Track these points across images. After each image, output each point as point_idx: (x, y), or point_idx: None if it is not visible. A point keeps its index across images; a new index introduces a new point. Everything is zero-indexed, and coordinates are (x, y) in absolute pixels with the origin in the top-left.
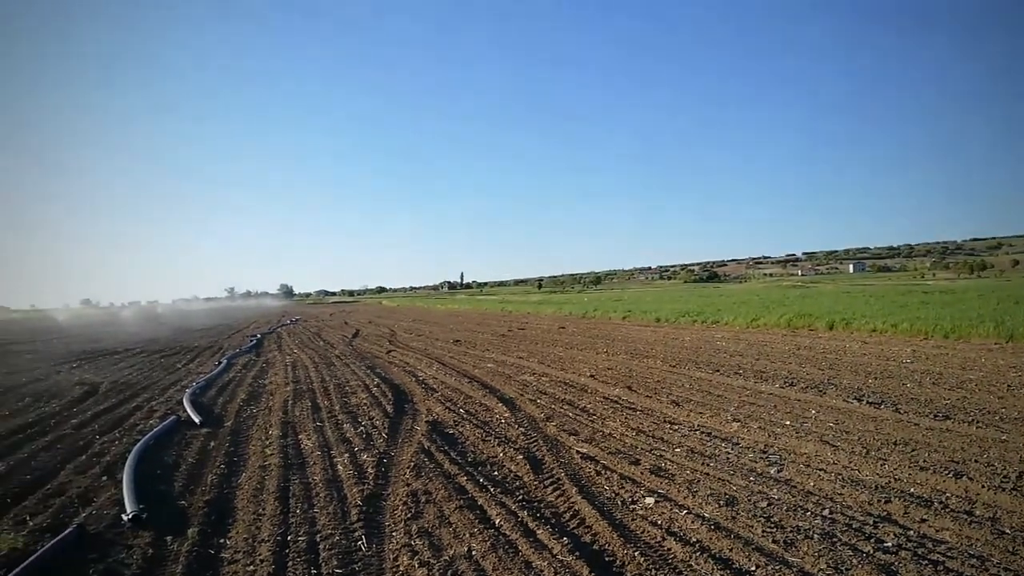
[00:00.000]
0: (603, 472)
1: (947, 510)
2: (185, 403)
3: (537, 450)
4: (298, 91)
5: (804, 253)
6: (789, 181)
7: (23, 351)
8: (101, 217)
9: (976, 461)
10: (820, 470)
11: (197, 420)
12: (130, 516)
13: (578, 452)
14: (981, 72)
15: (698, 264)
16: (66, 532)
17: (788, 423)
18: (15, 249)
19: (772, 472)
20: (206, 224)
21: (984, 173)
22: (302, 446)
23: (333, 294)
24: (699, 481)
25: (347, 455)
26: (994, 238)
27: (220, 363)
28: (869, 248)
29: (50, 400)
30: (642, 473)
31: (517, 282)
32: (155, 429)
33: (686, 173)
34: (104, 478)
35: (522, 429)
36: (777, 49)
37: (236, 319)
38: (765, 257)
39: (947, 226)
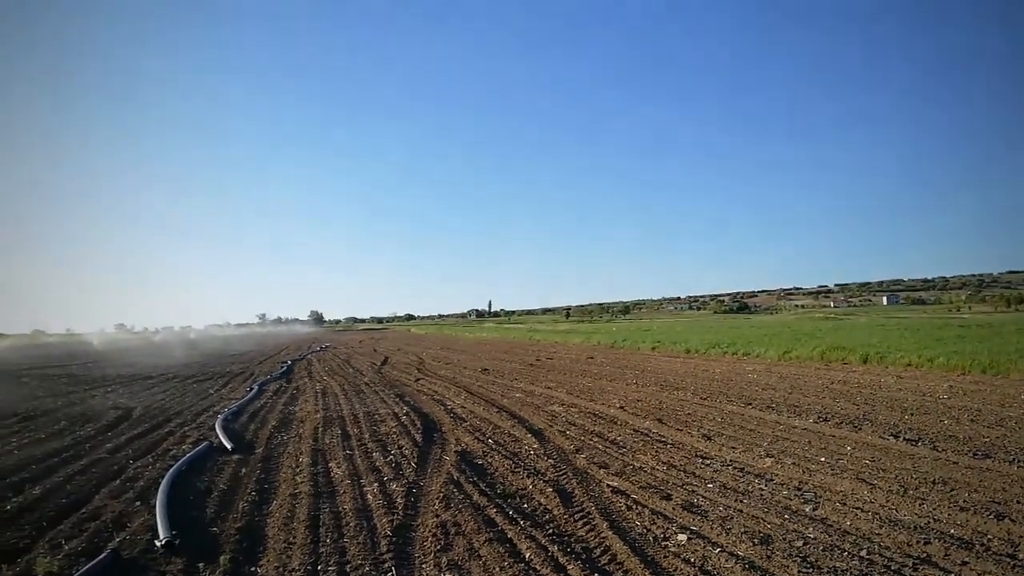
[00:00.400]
0: (634, 507)
1: (989, 553)
2: (217, 429)
3: (567, 483)
4: (327, 113)
5: (836, 284)
6: (820, 211)
7: (59, 375)
8: (136, 242)
9: (1018, 502)
10: (857, 509)
11: (229, 446)
12: (163, 542)
13: (608, 485)
14: (1020, 100)
15: (728, 294)
16: (101, 557)
17: (823, 459)
18: (52, 274)
19: (807, 510)
20: (239, 250)
21: (1022, 204)
22: (332, 474)
23: (362, 321)
24: (732, 518)
25: (376, 484)
26: None
27: (251, 389)
28: (903, 280)
29: (85, 424)
30: (674, 508)
31: (545, 311)
32: (188, 454)
33: (716, 202)
34: (138, 503)
35: (551, 461)
36: (806, 76)
37: (267, 345)
38: (796, 288)
39: (983, 258)
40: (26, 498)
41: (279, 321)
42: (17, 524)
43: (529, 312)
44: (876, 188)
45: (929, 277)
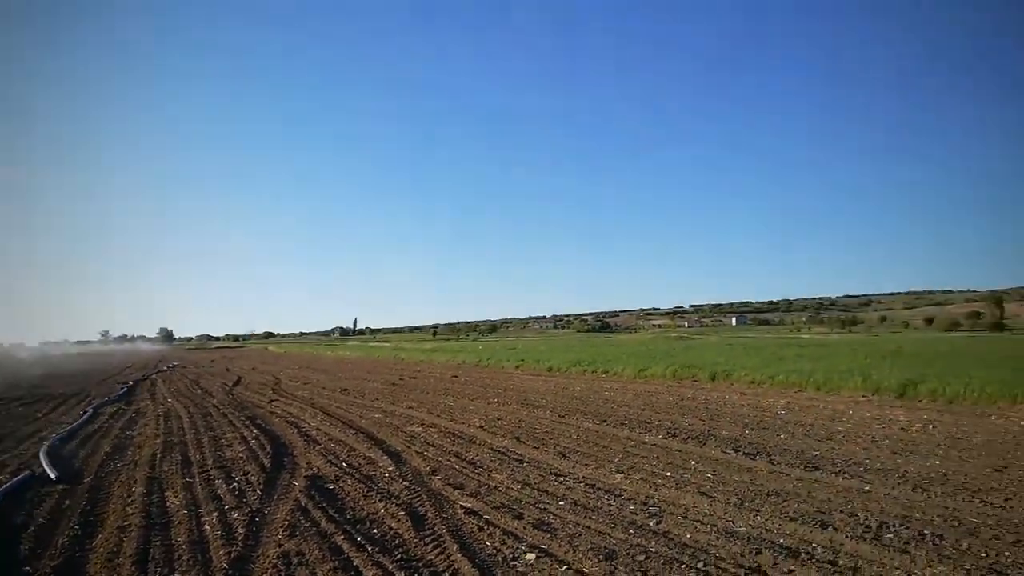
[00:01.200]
0: (486, 527)
1: (813, 560)
2: (41, 456)
3: (420, 505)
4: (190, 122)
5: (691, 305)
6: (679, 235)
7: None
8: None
9: (841, 511)
10: (697, 521)
11: (53, 475)
12: None
13: (462, 507)
14: (850, 145)
15: (591, 314)
16: None
17: (669, 474)
18: None
19: (652, 524)
20: (80, 263)
21: (858, 234)
22: (168, 504)
23: (217, 339)
24: (581, 535)
25: (216, 513)
26: (864, 295)
27: (85, 412)
28: (751, 302)
29: None
30: (525, 527)
31: (412, 329)
32: (4, 486)
33: (582, 225)
34: None
35: (406, 483)
36: (663, 108)
37: (110, 364)
38: (655, 308)
39: (823, 283)
40: None
41: (124, 338)
42: None
43: (396, 330)
44: (726, 216)
45: (774, 300)
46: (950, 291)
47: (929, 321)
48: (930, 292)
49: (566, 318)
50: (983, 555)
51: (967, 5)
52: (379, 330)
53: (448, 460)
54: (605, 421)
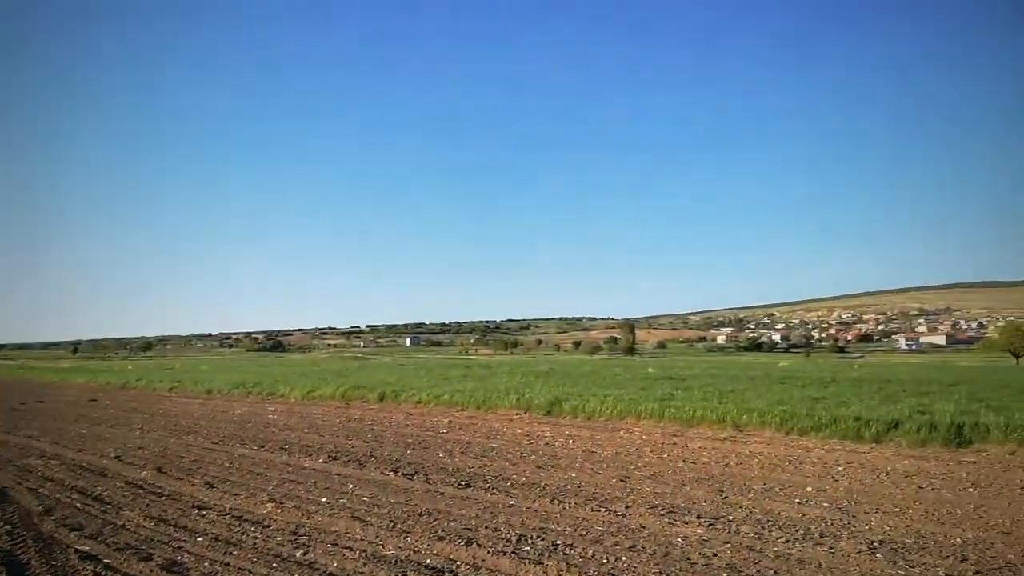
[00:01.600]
0: (104, 573)
1: None
2: None
3: (23, 553)
4: None
5: (368, 325)
6: (357, 256)
7: None
8: None
9: (486, 527)
10: (347, 548)
11: None
12: None
13: (78, 551)
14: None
15: (263, 332)
16: None
17: (324, 500)
18: None
19: (298, 555)
20: None
21: (518, 266)
22: None
23: None
24: (217, 573)
25: None
26: (524, 319)
27: None
28: (425, 324)
29: None
30: (152, 570)
31: (46, 345)
32: None
33: (252, 237)
34: None
35: (9, 527)
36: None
37: None
38: (331, 328)
39: (489, 308)
40: None
41: None
42: None
43: (24, 346)
44: (401, 243)
45: (446, 322)
46: (594, 319)
47: (577, 344)
48: (578, 319)
49: (235, 336)
50: (604, 561)
51: None
52: (2, 346)
53: (69, 497)
54: (264, 446)
